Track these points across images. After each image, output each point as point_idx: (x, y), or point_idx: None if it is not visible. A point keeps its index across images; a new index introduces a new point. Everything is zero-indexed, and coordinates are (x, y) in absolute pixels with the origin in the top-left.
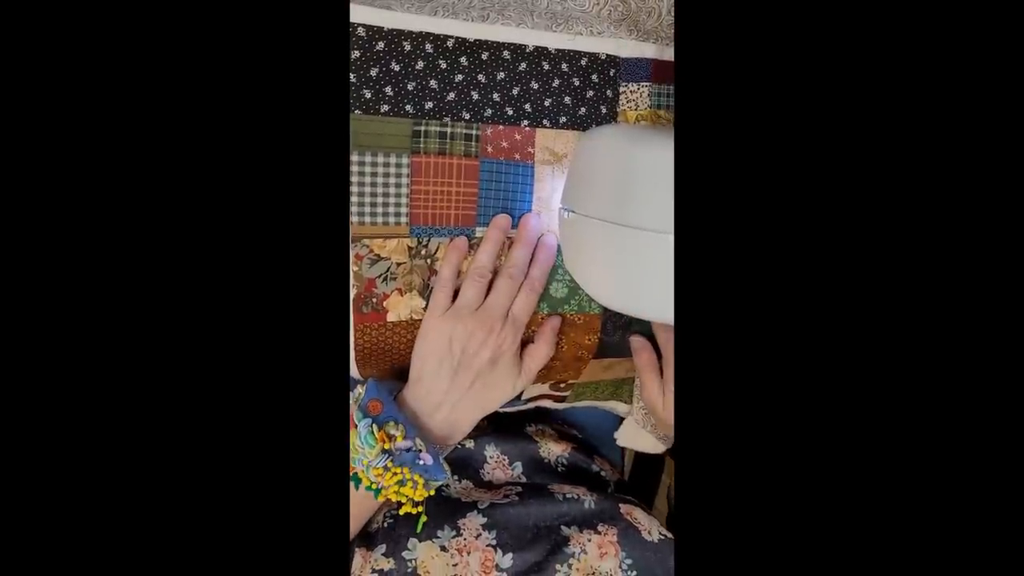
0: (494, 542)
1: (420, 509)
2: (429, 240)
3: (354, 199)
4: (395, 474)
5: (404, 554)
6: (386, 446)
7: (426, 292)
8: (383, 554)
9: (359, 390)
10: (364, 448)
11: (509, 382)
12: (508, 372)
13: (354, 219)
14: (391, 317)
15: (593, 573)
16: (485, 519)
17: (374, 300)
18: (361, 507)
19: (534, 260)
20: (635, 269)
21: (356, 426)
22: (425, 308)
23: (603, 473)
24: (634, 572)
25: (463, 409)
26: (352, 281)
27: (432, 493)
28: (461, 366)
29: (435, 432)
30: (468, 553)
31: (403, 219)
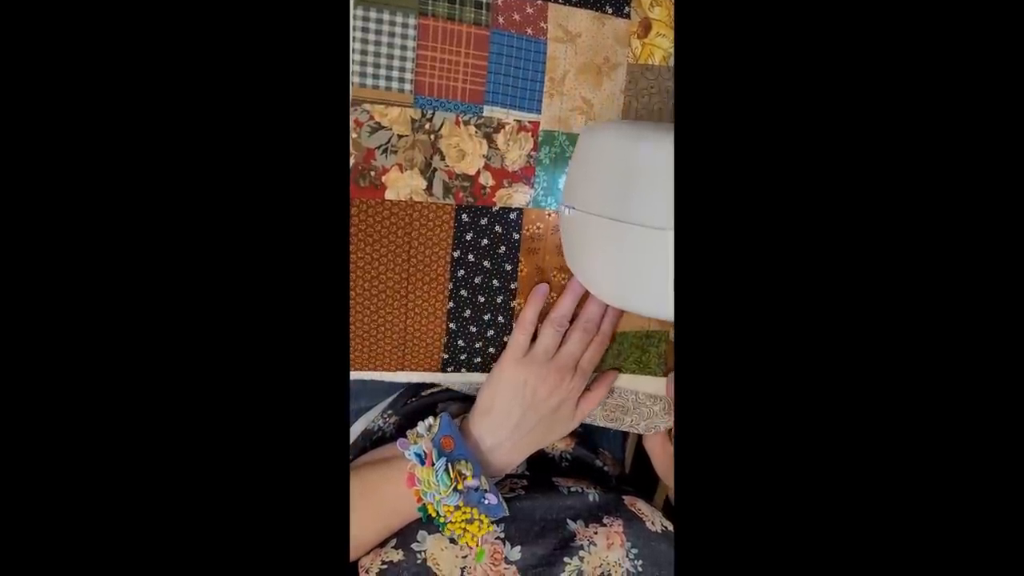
0: (502, 535)
1: (480, 546)
2: (434, 114)
3: (356, 57)
4: (465, 513)
5: (414, 546)
6: (458, 486)
7: (428, 172)
8: (393, 546)
9: (431, 421)
10: (439, 485)
11: (565, 425)
12: (566, 416)
13: (355, 80)
14: (389, 195)
15: (602, 564)
16: None
17: (372, 174)
18: (406, 515)
19: (606, 314)
20: (636, 265)
21: (433, 463)
22: (426, 190)
23: (606, 468)
24: (640, 561)
25: (521, 447)
26: (350, 149)
27: (493, 529)
28: (530, 408)
29: (492, 465)
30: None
31: (407, 86)
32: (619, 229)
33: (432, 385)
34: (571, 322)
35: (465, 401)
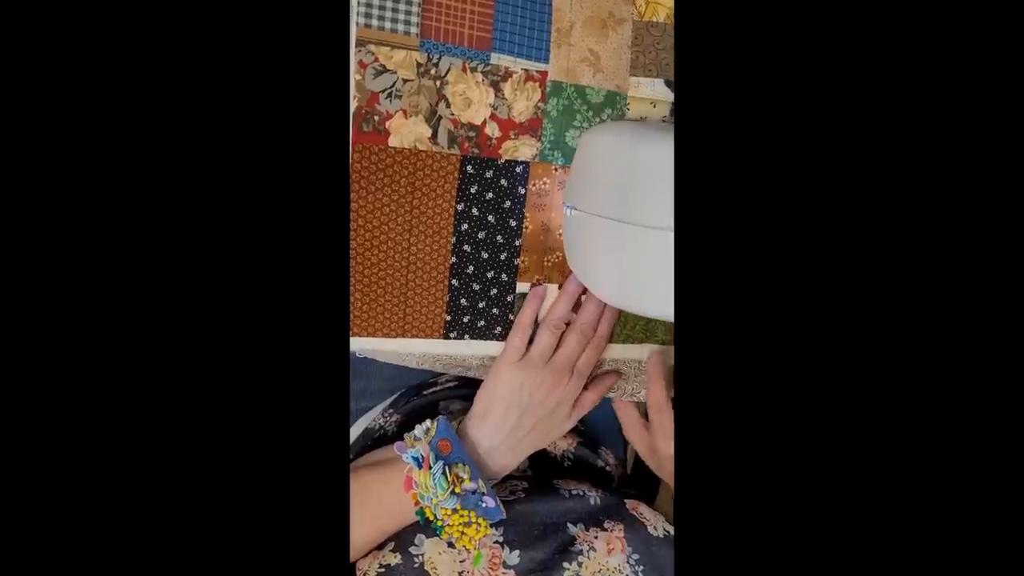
0: (501, 539)
1: (478, 550)
2: (440, 59)
3: None
4: (462, 516)
5: (411, 550)
6: (456, 489)
7: (432, 120)
8: (391, 550)
9: (428, 425)
10: (436, 489)
11: (561, 426)
12: (562, 418)
13: (360, 20)
14: (393, 142)
15: (602, 570)
16: None
17: (376, 119)
18: (403, 518)
19: (603, 316)
20: (638, 266)
21: (430, 466)
22: (431, 138)
23: (608, 468)
24: (641, 567)
25: (518, 450)
26: (353, 92)
27: (491, 532)
28: (527, 412)
29: (490, 468)
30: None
31: (413, 28)
32: (622, 230)
33: (432, 384)
34: (568, 323)
35: (466, 400)
